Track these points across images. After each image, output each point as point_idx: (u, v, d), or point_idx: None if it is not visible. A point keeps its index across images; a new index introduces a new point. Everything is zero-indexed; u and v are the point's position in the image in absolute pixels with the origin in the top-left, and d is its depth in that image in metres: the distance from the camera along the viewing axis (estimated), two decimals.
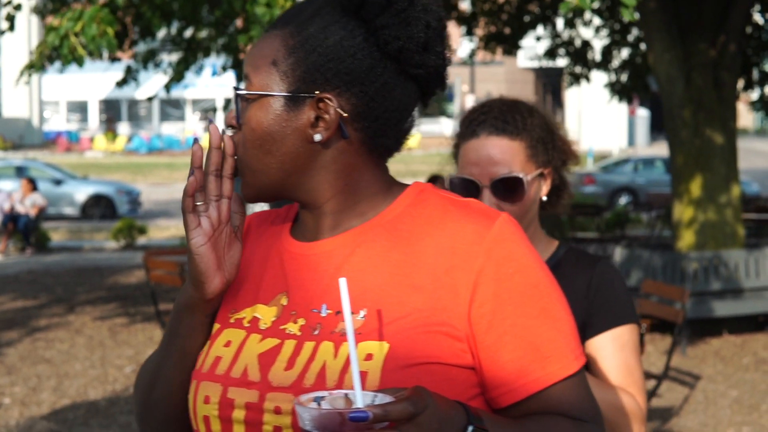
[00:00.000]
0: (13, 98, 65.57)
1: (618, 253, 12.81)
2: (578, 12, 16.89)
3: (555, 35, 18.60)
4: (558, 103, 75.72)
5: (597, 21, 18.21)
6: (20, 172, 29.71)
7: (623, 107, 48.06)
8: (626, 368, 2.75)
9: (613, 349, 2.76)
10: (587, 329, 2.77)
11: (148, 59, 16.39)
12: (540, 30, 18.79)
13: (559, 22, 18.68)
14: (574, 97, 60.32)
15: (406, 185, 1.96)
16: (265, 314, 1.91)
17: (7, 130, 63.80)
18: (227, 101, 19.26)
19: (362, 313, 1.81)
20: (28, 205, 22.25)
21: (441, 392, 1.73)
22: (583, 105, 56.17)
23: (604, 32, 18.44)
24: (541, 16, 17.92)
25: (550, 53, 18.89)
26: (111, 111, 72.53)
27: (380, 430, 1.55)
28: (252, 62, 1.89)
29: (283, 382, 1.80)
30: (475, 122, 2.80)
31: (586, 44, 18.53)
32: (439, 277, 1.81)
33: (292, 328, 1.85)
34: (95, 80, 62.23)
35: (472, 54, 19.91)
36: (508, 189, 2.74)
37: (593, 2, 6.08)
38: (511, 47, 18.56)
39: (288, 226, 1.99)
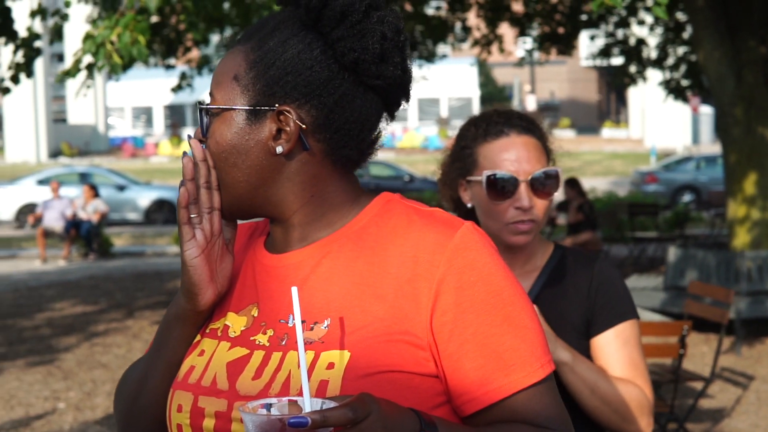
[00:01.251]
0: (79, 105, 66.25)
1: (672, 253, 12.73)
2: (632, 11, 16.83)
3: (609, 34, 18.50)
4: (621, 101, 75.24)
5: (651, 19, 18.10)
6: (84, 178, 30.05)
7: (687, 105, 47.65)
8: (631, 362, 2.84)
9: (618, 345, 2.85)
10: (591, 327, 2.88)
11: (203, 65, 16.51)
12: (595, 29, 18.71)
13: (614, 21, 18.59)
14: (637, 95, 59.84)
15: (375, 195, 1.98)
16: (235, 323, 1.95)
17: (74, 137, 64.44)
18: None
19: (326, 322, 1.84)
20: (90, 211, 22.47)
21: (403, 400, 1.77)
22: (647, 103, 55.69)
23: (659, 30, 18.31)
24: (595, 16, 17.84)
25: (605, 52, 18.80)
26: (175, 116, 72.94)
27: None
28: (216, 78, 1.94)
29: (251, 392, 1.84)
30: (499, 124, 2.90)
31: (641, 42, 18.41)
32: (402, 287, 1.83)
33: (261, 339, 1.89)
34: (160, 86, 62.57)
35: (530, 54, 19.88)
36: (544, 183, 2.87)
37: (624, 0, 6.08)
38: (566, 47, 18.51)
39: (263, 239, 2.04)
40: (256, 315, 1.94)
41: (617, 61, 20.07)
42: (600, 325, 2.87)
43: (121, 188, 30.17)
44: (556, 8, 17.81)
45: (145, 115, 69.80)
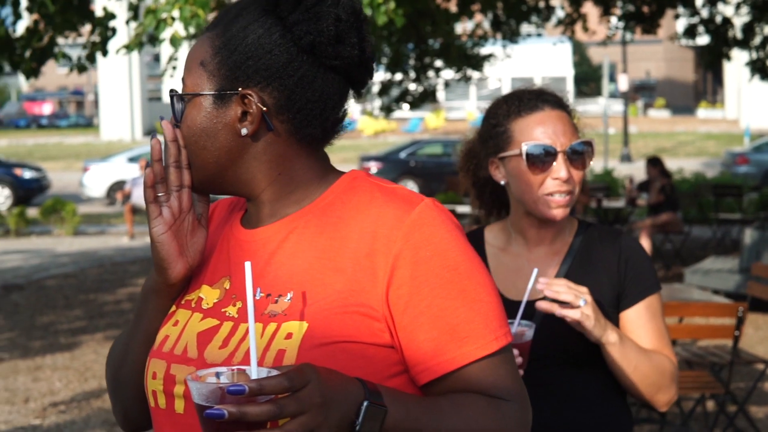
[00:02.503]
0: (175, 84, 66.96)
1: (748, 235, 12.61)
2: None
3: (694, 13, 18.27)
4: (718, 81, 74.17)
5: None
6: None
7: None
8: (659, 333, 2.95)
9: (647, 317, 2.95)
10: (621, 301, 2.95)
11: None
12: (681, 8, 18.49)
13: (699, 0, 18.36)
14: (733, 75, 59.03)
15: (343, 173, 2.06)
16: (209, 295, 2.04)
17: (169, 115, 65.01)
18: None
19: (289, 295, 1.92)
20: None
21: (358, 369, 1.85)
22: (743, 83, 54.89)
23: (745, 9, 18.05)
24: None
25: (690, 32, 18.57)
26: None
27: (262, 403, 1.65)
28: (186, 64, 2.03)
29: (216, 360, 1.92)
30: (531, 99, 2.97)
31: (727, 21, 18.16)
32: (360, 261, 1.90)
33: (231, 310, 1.98)
34: None
35: (614, 33, 19.69)
36: (581, 154, 2.93)
37: None
38: (650, 26, 18.33)
39: (240, 215, 2.12)
40: (228, 288, 2.02)
41: (703, 40, 19.80)
42: (631, 299, 2.94)
43: None
44: None
45: None
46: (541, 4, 18.22)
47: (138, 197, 22.75)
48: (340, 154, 47.99)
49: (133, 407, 2.18)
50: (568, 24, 18.72)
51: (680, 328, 7.16)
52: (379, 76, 18.99)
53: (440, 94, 61.30)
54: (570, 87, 69.43)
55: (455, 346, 1.89)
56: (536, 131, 2.92)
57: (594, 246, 3.00)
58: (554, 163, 2.89)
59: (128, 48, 8.82)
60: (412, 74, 18.73)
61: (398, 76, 18.74)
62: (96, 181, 30.12)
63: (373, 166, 30.04)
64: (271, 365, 1.84)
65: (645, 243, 15.30)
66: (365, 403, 1.75)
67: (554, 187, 2.90)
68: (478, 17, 18.41)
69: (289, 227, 1.99)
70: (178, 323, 2.04)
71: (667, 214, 15.74)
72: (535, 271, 2.81)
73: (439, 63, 18.78)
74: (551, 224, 2.98)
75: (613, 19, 19.06)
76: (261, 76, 1.94)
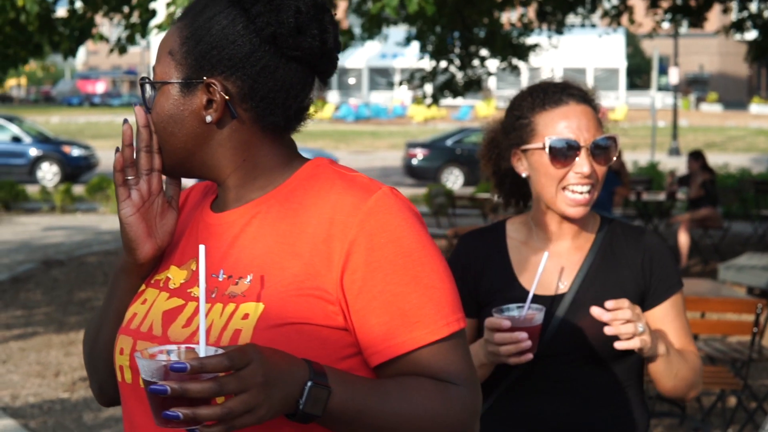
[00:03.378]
0: None
1: None
2: None
3: (743, 7, 18.16)
4: None
5: None
6: None
7: None
8: (685, 330, 3.00)
9: (674, 315, 2.99)
10: (648, 299, 2.97)
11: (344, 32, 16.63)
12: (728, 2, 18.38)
13: None
14: None
15: (307, 160, 2.13)
16: (176, 275, 2.12)
17: None
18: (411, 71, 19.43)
19: (249, 277, 2.00)
20: None
21: (311, 350, 1.92)
22: None
23: None
24: None
25: (738, 26, 18.46)
26: None
27: (204, 381, 1.72)
28: (157, 53, 2.13)
29: (179, 338, 2.01)
30: (556, 93, 2.96)
31: None
32: (317, 246, 1.97)
33: (196, 291, 2.06)
34: None
35: (673, 24, 19.57)
36: (604, 150, 2.93)
37: None
38: (697, 20, 18.25)
39: (212, 199, 2.21)
40: (194, 269, 2.10)
41: (752, 35, 19.67)
42: (657, 297, 2.97)
43: None
44: None
45: None
46: None
47: None
48: (389, 139, 48.11)
49: (107, 382, 2.25)
50: (614, 16, 18.67)
51: (701, 323, 7.17)
52: (425, 63, 19.01)
53: (491, 83, 61.06)
54: (622, 79, 69.13)
55: (406, 330, 1.95)
56: (560, 125, 2.91)
57: (618, 242, 3.02)
58: (577, 158, 2.89)
59: (160, 27, 8.92)
60: (458, 62, 18.73)
61: (443, 64, 18.75)
62: None
63: (419, 153, 30.10)
64: (227, 344, 1.91)
65: (683, 237, 15.26)
66: (309, 384, 1.81)
67: (575, 179, 2.90)
68: (523, 7, 18.39)
69: (253, 212, 2.07)
70: (146, 302, 2.12)
71: (706, 209, 15.69)
72: (546, 254, 2.87)
73: (484, 52, 18.78)
74: (573, 219, 2.99)
75: (661, 12, 18.95)
76: (225, 65, 2.01)
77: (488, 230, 3.15)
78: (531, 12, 18.95)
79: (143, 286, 2.17)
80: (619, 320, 2.73)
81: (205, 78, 2.02)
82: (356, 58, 70.37)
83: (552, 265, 2.98)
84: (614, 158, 2.96)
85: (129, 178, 2.09)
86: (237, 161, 2.08)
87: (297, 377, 1.81)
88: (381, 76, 70.10)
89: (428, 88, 18.90)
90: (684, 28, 20.40)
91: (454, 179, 29.76)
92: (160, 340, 2.02)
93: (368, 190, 2.01)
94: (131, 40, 10.37)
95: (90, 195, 23.06)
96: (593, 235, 3.03)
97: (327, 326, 1.96)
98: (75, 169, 29.92)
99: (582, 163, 2.88)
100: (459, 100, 59.11)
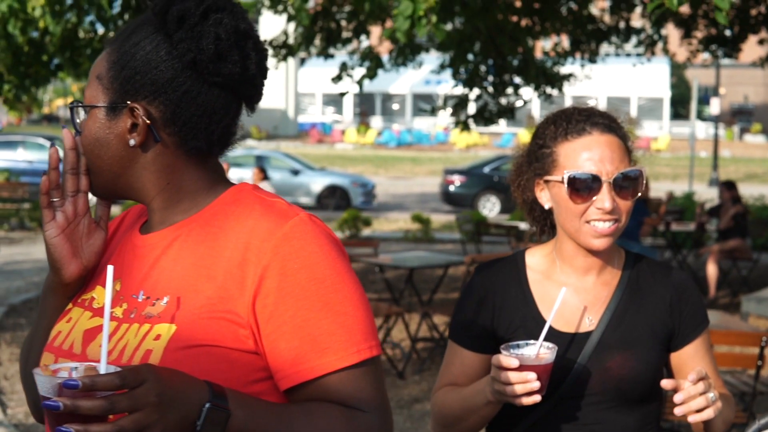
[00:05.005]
0: (271, 90, 67.64)
1: None
2: None
3: None
4: None
5: None
6: (259, 161, 30.74)
7: None
8: (713, 366, 2.90)
9: (704, 352, 2.90)
10: (677, 337, 2.88)
11: (366, 56, 16.72)
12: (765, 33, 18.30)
13: None
14: None
15: (231, 185, 2.18)
16: (100, 295, 2.17)
17: (263, 120, 65.86)
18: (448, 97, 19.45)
19: (165, 299, 2.05)
20: None
21: (221, 373, 1.96)
22: None
23: None
24: (764, 18, 17.47)
25: None
26: (365, 104, 73.94)
27: (95, 399, 1.75)
28: (89, 77, 2.18)
29: (97, 356, 2.03)
30: (580, 122, 2.81)
31: None
32: (231, 270, 2.01)
33: (118, 311, 2.10)
34: (353, 74, 63.78)
35: (714, 56, 19.48)
36: (628, 184, 2.78)
37: (680, 4, 6.06)
38: (732, 50, 18.18)
39: (144, 220, 2.25)
40: (118, 289, 2.14)
41: None
42: (686, 336, 2.88)
43: (296, 173, 30.78)
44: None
45: (335, 102, 70.65)
46: (621, 25, 18.14)
47: None
48: (429, 165, 48.12)
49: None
50: (648, 45, 18.64)
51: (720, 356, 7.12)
52: (458, 90, 19.04)
53: (534, 111, 60.90)
54: (666, 108, 68.84)
55: (315, 356, 1.98)
56: (581, 157, 2.77)
57: (645, 279, 2.91)
58: (599, 193, 2.75)
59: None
60: (491, 90, 18.75)
61: (476, 92, 18.77)
62: None
63: (456, 180, 30.11)
64: (137, 364, 1.96)
65: (711, 268, 15.18)
66: (207, 405, 1.84)
67: (597, 215, 2.76)
68: (557, 36, 18.39)
69: (174, 234, 2.12)
70: (71, 320, 2.17)
71: (735, 240, 15.61)
72: (563, 290, 2.74)
73: (518, 80, 18.79)
74: (599, 253, 2.86)
75: (696, 41, 18.89)
76: (148, 90, 2.07)
77: (506, 261, 2.98)
78: (565, 41, 18.94)
79: (70, 305, 2.22)
80: (692, 397, 2.56)
81: (129, 102, 2.07)
82: (400, 83, 70.56)
83: (576, 301, 2.86)
84: (640, 193, 2.81)
85: (54, 200, 2.15)
86: (161, 184, 2.13)
87: (194, 398, 1.84)
88: (424, 102, 70.21)
89: (461, 115, 18.91)
90: (728, 59, 20.27)
91: (490, 206, 29.75)
92: (79, 358, 2.06)
93: (285, 215, 2.04)
94: None
95: None
96: (620, 271, 2.92)
97: (237, 349, 1.99)
98: None
99: (603, 199, 2.74)
100: (502, 128, 59.07)
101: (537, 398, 2.59)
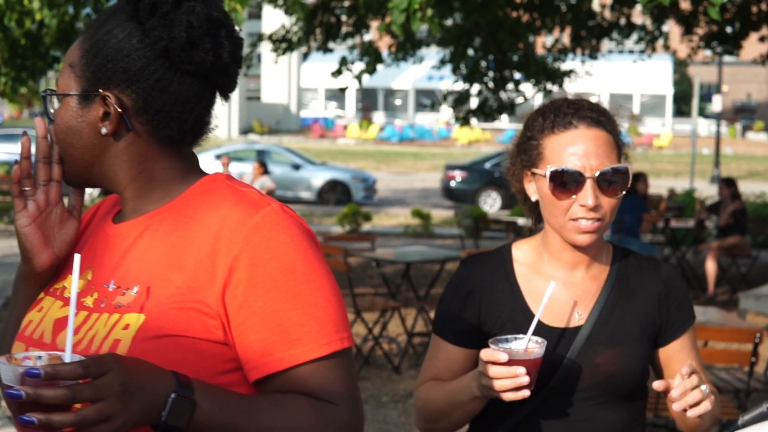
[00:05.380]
0: (273, 84, 67.67)
1: None
2: None
3: None
4: None
5: None
6: (260, 155, 30.72)
7: None
8: (699, 362, 2.87)
9: (690, 347, 2.88)
10: (665, 332, 2.85)
11: (366, 51, 16.72)
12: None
13: None
14: None
15: (204, 175, 2.16)
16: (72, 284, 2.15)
17: (266, 115, 65.93)
18: (449, 93, 19.42)
19: (135, 288, 2.03)
20: (257, 187, 22.97)
21: (189, 363, 1.95)
22: None
23: None
24: (765, 15, 17.43)
25: None
26: (367, 100, 73.91)
27: (58, 388, 1.73)
28: (62, 65, 2.17)
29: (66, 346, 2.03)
30: (568, 115, 2.75)
31: None
32: (202, 260, 2.00)
33: (88, 300, 2.09)
34: (353, 69, 63.77)
35: (715, 53, 19.46)
36: (613, 180, 2.72)
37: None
38: (733, 47, 18.16)
39: (117, 210, 2.24)
40: (90, 278, 2.13)
41: None
42: (674, 332, 2.84)
43: (297, 167, 30.72)
44: (725, 7, 17.42)
45: (337, 97, 70.61)
46: (622, 21, 18.13)
47: None
48: (431, 161, 48.07)
49: None
50: (649, 41, 18.62)
51: (702, 352, 7.11)
52: (458, 86, 19.03)
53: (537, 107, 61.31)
54: (669, 105, 68.80)
55: (285, 347, 1.97)
56: (566, 152, 2.71)
57: (634, 274, 2.88)
58: (582, 189, 2.70)
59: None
60: (491, 85, 18.73)
61: (477, 87, 18.75)
62: None
63: (458, 175, 30.08)
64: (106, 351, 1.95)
65: (711, 265, 15.17)
66: (172, 396, 1.83)
67: (581, 212, 2.71)
68: (558, 32, 18.38)
69: (146, 224, 2.10)
70: (42, 309, 2.16)
71: (734, 237, 15.59)
72: (552, 284, 2.68)
73: (518, 76, 18.77)
74: (586, 248, 2.82)
75: (696, 38, 18.87)
76: (120, 78, 2.05)
77: (492, 255, 2.93)
78: (565, 37, 18.92)
79: (42, 294, 2.21)
80: (687, 391, 2.54)
81: (101, 91, 2.06)
82: (402, 79, 70.54)
83: (565, 295, 2.82)
84: (624, 190, 2.74)
85: (25, 189, 2.14)
86: (133, 173, 2.11)
87: (160, 389, 1.83)
88: (427, 98, 70.15)
89: (462, 110, 18.91)
90: (730, 57, 20.26)
91: (491, 202, 29.70)
92: (49, 347, 2.05)
93: (256, 205, 2.03)
94: None
95: None
96: (608, 266, 2.88)
97: (206, 340, 1.98)
98: None
99: (586, 195, 2.69)
100: (505, 124, 58.99)
101: (526, 393, 2.53)
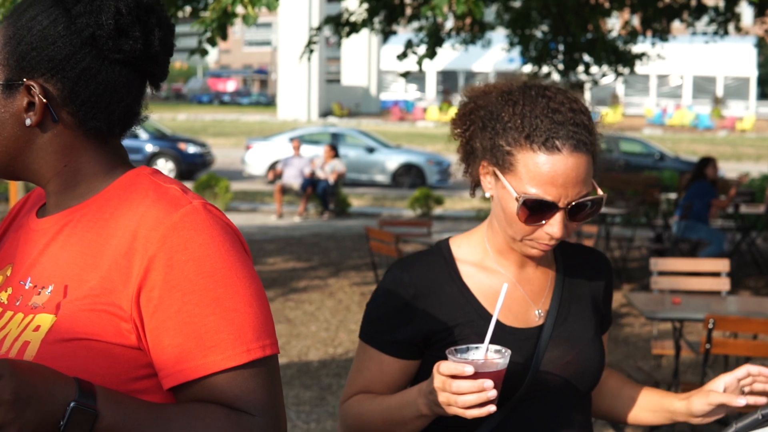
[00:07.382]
0: (353, 67, 67.71)
1: None
2: None
3: None
4: None
5: None
6: (334, 138, 30.72)
7: None
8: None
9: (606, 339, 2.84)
10: (604, 323, 2.80)
11: (432, 33, 16.60)
12: None
13: None
14: None
15: (131, 168, 2.08)
16: None
17: (346, 98, 66.00)
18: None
19: (50, 288, 1.95)
20: (327, 170, 23.01)
21: (100, 368, 1.87)
22: None
23: None
24: None
25: None
26: (448, 82, 73.66)
27: None
28: None
29: None
30: (550, 131, 2.46)
31: None
32: (117, 260, 1.92)
33: (3, 297, 2.02)
34: (418, 51, 63.58)
35: None
36: (583, 210, 2.51)
37: None
38: None
39: (43, 203, 2.16)
40: (9, 275, 2.06)
41: None
42: (608, 321, 2.81)
43: (371, 150, 30.68)
44: None
45: (418, 80, 70.47)
46: (693, 2, 17.83)
47: (288, 177, 23.12)
48: None
49: None
50: (720, 23, 18.29)
51: (752, 345, 6.87)
52: (527, 68, 18.87)
53: (619, 90, 60.18)
54: (753, 88, 67.79)
55: (200, 354, 1.88)
56: (543, 177, 2.45)
57: (577, 265, 2.75)
58: (552, 218, 2.48)
59: (204, 23, 8.99)
60: (560, 67, 18.55)
61: (545, 70, 18.58)
62: (257, 159, 30.51)
63: None
64: (14, 356, 1.88)
65: None
66: (72, 405, 1.75)
67: (544, 239, 2.52)
68: (627, 14, 18.14)
69: (65, 220, 2.03)
70: None
71: None
72: (505, 286, 2.38)
73: (588, 58, 18.57)
74: None
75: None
76: (45, 67, 1.97)
77: (429, 255, 2.69)
78: (636, 20, 18.66)
79: None
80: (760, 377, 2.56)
81: (25, 80, 1.98)
82: (483, 61, 70.15)
83: (521, 292, 2.65)
84: (593, 216, 2.55)
85: None
86: (58, 166, 2.03)
87: (59, 397, 1.75)
88: None
89: None
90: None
91: None
92: None
93: (176, 203, 1.94)
94: (212, 42, 10.40)
95: (198, 192, 23.31)
96: (553, 258, 2.73)
97: (119, 344, 1.90)
98: (190, 166, 30.27)
99: (554, 224, 2.48)
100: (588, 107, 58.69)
101: (492, 408, 2.26)
